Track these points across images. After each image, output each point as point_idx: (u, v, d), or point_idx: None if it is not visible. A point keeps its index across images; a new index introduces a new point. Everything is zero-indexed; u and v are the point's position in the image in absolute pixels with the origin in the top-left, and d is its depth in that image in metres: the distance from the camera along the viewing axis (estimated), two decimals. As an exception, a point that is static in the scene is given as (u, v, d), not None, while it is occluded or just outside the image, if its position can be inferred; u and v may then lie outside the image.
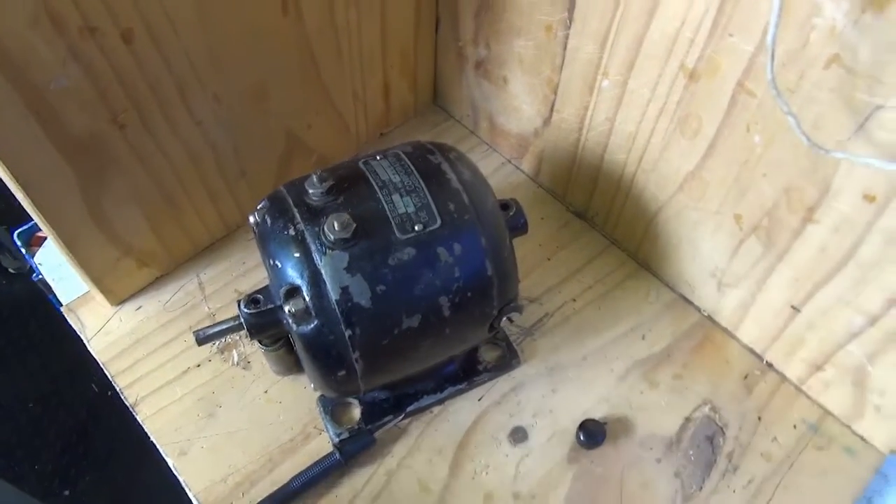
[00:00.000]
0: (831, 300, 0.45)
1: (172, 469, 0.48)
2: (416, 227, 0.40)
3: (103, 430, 1.13)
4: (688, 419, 0.50)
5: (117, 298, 0.54)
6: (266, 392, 0.51)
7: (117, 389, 0.51)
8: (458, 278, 0.41)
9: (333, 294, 0.39)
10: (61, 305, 0.55)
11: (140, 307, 0.55)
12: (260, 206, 0.43)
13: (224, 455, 0.48)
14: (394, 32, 0.57)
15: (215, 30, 0.45)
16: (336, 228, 0.39)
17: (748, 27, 0.39)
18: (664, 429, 0.50)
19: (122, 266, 0.52)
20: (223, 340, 0.53)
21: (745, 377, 0.52)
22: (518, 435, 0.49)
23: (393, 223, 0.40)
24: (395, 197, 0.41)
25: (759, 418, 0.50)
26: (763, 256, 0.47)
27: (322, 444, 0.48)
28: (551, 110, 0.56)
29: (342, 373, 0.41)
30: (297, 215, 0.41)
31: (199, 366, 0.52)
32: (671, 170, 0.49)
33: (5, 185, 0.43)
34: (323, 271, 0.39)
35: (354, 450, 0.47)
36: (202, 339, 0.44)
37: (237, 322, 0.44)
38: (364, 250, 0.40)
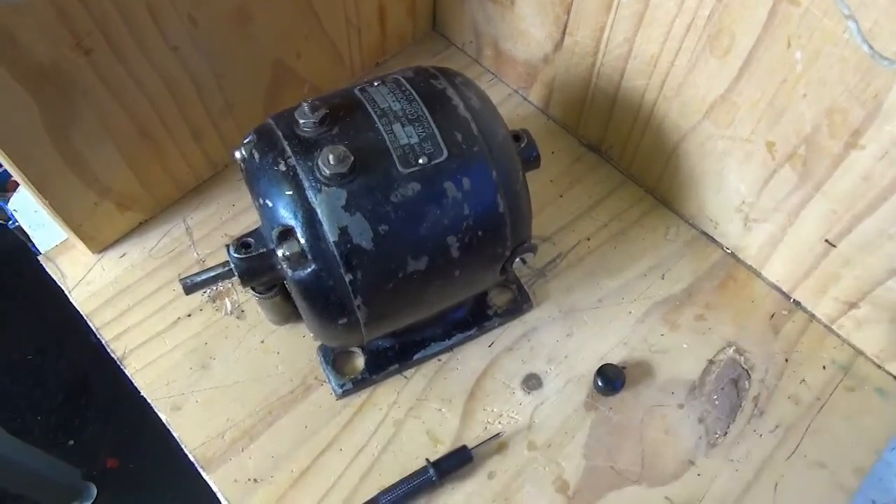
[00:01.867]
0: (872, 234, 0.41)
1: (166, 425, 0.45)
2: (421, 160, 0.36)
3: (105, 380, 1.12)
4: (711, 362, 0.47)
5: (99, 245, 0.50)
6: (262, 342, 0.48)
7: (103, 342, 0.48)
8: (467, 216, 0.37)
9: (331, 235, 0.35)
10: (40, 254, 0.52)
11: (124, 254, 0.51)
12: (247, 139, 0.39)
13: (220, 409, 0.45)
14: (388, -52, 0.52)
15: (188, -62, 0.40)
16: (331, 162, 0.35)
17: (796, -78, 0.34)
18: (686, 373, 0.47)
19: (101, 210, 0.48)
20: (215, 288, 0.50)
21: (772, 317, 0.49)
22: (532, 382, 0.47)
23: (395, 156, 0.36)
24: (397, 126, 0.37)
25: (787, 360, 0.48)
26: (798, 187, 0.43)
27: (324, 395, 0.46)
28: (563, 33, 0.51)
29: (343, 321, 0.38)
30: (288, 149, 0.37)
31: (189, 316, 0.49)
32: (697, 94, 0.45)
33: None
34: (318, 210, 0.35)
35: (451, 467, 0.43)
36: (190, 287, 0.41)
37: (227, 268, 0.41)
38: (363, 186, 0.36)
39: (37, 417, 1.14)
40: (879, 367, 0.47)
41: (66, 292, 0.50)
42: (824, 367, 0.47)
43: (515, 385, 0.46)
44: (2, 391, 1.16)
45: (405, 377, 0.47)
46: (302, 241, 0.35)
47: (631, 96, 0.50)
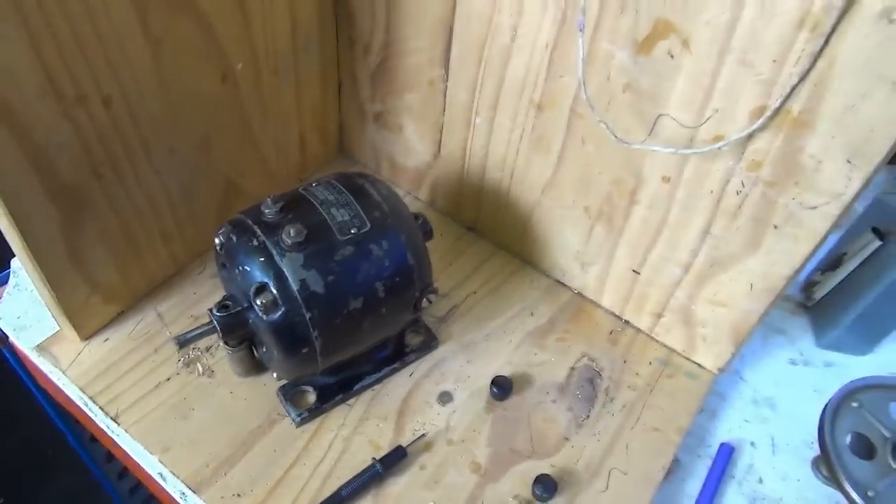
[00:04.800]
0: (658, 259, 0.61)
1: (158, 463, 0.55)
2: (352, 231, 0.53)
3: None
4: (572, 368, 0.65)
5: (86, 333, 0.62)
6: (231, 393, 0.60)
7: (98, 409, 0.58)
8: (387, 267, 0.54)
9: (295, 285, 0.50)
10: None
11: (107, 339, 0.63)
12: (222, 229, 0.54)
13: (203, 446, 0.56)
14: (306, 94, 0.71)
15: (171, 95, 0.56)
16: (292, 235, 0.51)
17: (571, 70, 0.56)
18: (556, 377, 0.64)
19: (91, 303, 0.60)
20: (188, 356, 0.62)
21: (611, 333, 0.68)
22: (445, 397, 0.62)
23: (334, 229, 0.53)
24: (333, 210, 0.54)
25: (625, 361, 0.66)
26: (608, 236, 0.64)
27: (285, 426, 0.58)
28: (439, 146, 0.71)
29: (305, 350, 0.52)
30: (258, 230, 0.52)
31: (168, 380, 0.60)
32: (535, 180, 0.65)
33: None
34: (284, 269, 0.51)
35: (392, 461, 0.56)
36: (183, 343, 0.54)
37: (210, 325, 0.54)
38: (315, 250, 0.52)
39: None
40: (687, 358, 0.66)
41: (60, 373, 0.60)
42: (650, 363, 0.66)
43: (433, 401, 0.61)
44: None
45: (348, 405, 0.60)
46: (274, 291, 0.50)
47: (492, 186, 0.70)
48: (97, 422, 0.61)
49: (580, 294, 0.71)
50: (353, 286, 0.53)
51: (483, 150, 0.67)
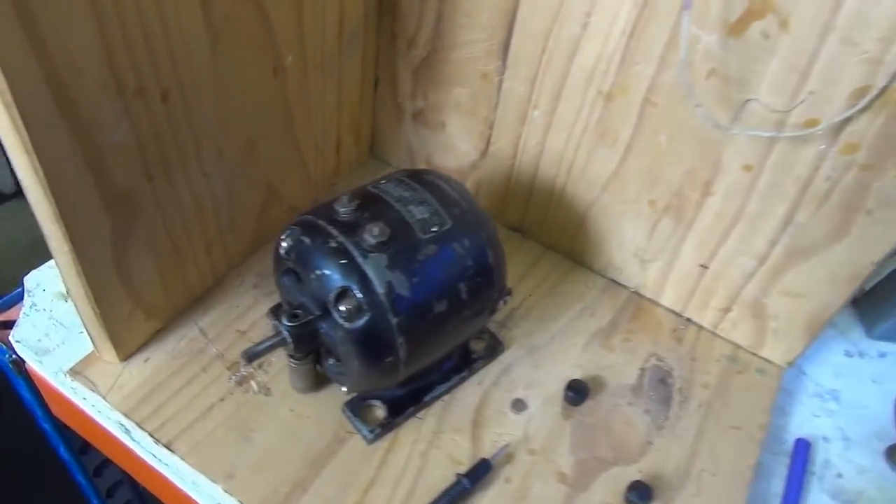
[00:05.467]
0: (730, 252, 0.60)
1: (223, 493, 0.50)
2: (434, 229, 0.50)
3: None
4: (642, 369, 0.62)
5: (125, 353, 0.56)
6: (292, 410, 0.55)
7: (146, 436, 0.53)
8: (470, 267, 0.51)
9: (380, 288, 0.47)
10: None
11: (148, 359, 0.57)
12: (287, 233, 0.50)
13: (269, 470, 0.52)
14: (346, 92, 0.67)
15: (224, 89, 0.52)
16: (376, 234, 0.47)
17: (649, 57, 0.54)
18: (627, 379, 0.61)
19: (133, 319, 0.55)
20: (239, 373, 0.57)
21: (674, 331, 0.66)
22: (518, 405, 0.58)
23: (415, 227, 0.49)
24: (411, 207, 0.50)
25: (693, 359, 0.64)
26: (674, 230, 0.62)
27: (356, 443, 0.54)
28: (487, 144, 0.68)
29: (389, 359, 0.48)
30: (334, 230, 0.48)
31: (222, 400, 0.55)
32: (596, 175, 0.63)
33: None
34: (368, 271, 0.47)
35: (478, 476, 0.52)
36: (252, 356, 0.49)
37: (280, 337, 0.50)
38: (398, 250, 0.48)
39: None
40: (754, 354, 0.65)
41: (100, 398, 0.54)
42: (718, 360, 0.64)
43: (506, 409, 0.58)
44: None
45: (419, 418, 0.56)
46: (358, 295, 0.46)
47: (545, 184, 0.67)
48: (137, 451, 0.55)
49: (637, 293, 0.69)
50: (437, 288, 0.49)
51: (538, 146, 0.65)
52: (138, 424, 0.53)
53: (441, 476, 0.53)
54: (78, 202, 0.44)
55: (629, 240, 0.65)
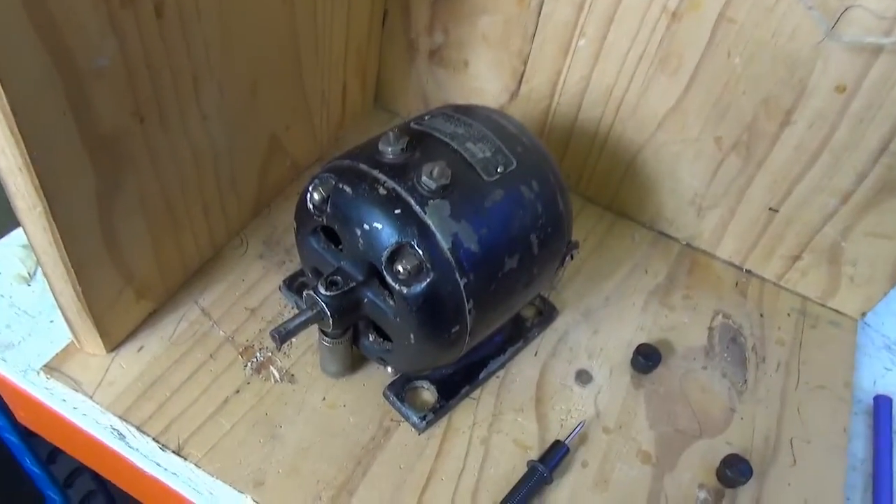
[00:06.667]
0: (806, 191, 0.53)
1: (252, 503, 0.41)
2: (499, 169, 0.41)
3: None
4: (710, 328, 0.55)
5: (113, 342, 0.46)
6: (324, 399, 0.46)
7: (149, 440, 0.43)
8: (540, 214, 0.42)
9: (444, 243, 0.38)
10: None
11: (141, 347, 0.47)
12: (317, 181, 0.41)
13: (306, 473, 0.43)
14: (354, 29, 0.57)
15: (228, 12, 0.42)
16: (435, 176, 0.38)
17: (728, -39, 0.46)
18: (696, 341, 0.54)
19: (122, 299, 0.45)
20: (255, 359, 0.47)
21: (736, 284, 0.59)
22: (583, 377, 0.51)
23: (477, 168, 0.40)
24: (469, 145, 0.41)
25: (761, 315, 0.57)
26: (742, 171, 0.55)
27: (405, 433, 0.45)
28: (520, 83, 0.59)
29: (455, 328, 0.40)
30: (381, 175, 0.39)
31: (238, 392, 0.46)
32: (650, 111, 0.55)
33: None
34: (430, 222, 0.38)
35: (556, 461, 0.44)
36: (284, 336, 0.40)
37: (315, 310, 0.40)
38: (462, 195, 0.39)
39: None
40: (823, 305, 0.59)
41: (86, 399, 0.44)
42: (788, 315, 0.58)
43: (570, 382, 0.50)
44: None
45: (473, 399, 0.48)
46: (419, 252, 0.37)
47: (587, 126, 0.59)
48: (135, 461, 0.45)
49: (689, 245, 0.62)
50: (508, 240, 0.40)
51: (582, 81, 0.56)
52: (139, 428, 0.43)
53: (510, 465, 0.45)
54: (54, 147, 0.34)
55: (685, 185, 0.58)
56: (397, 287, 0.38)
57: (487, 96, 0.62)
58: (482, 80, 0.61)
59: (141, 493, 0.51)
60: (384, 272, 0.38)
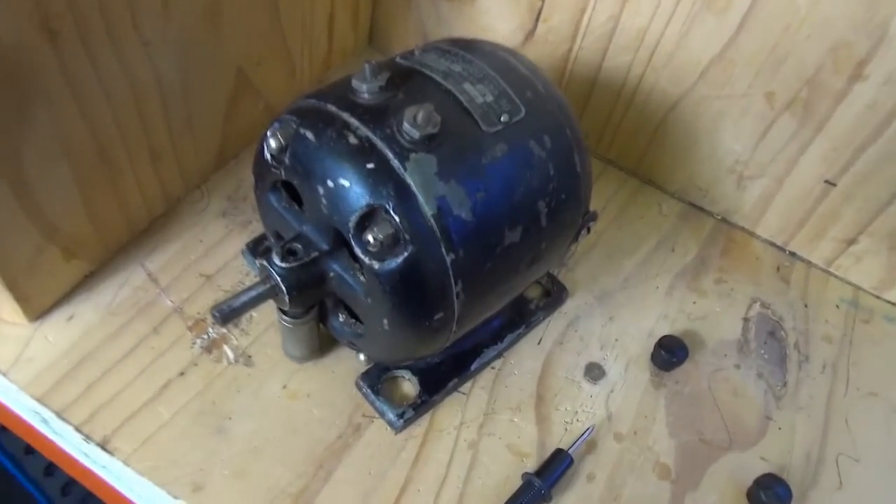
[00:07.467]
0: (875, 161, 0.44)
1: (189, 513, 0.34)
2: (503, 118, 0.33)
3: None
4: (746, 319, 0.47)
5: (35, 310, 0.39)
6: (285, 387, 0.39)
7: (71, 430, 0.36)
8: (552, 177, 0.34)
9: (428, 208, 0.30)
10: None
11: (72, 316, 0.40)
12: (276, 125, 0.33)
13: (257, 476, 0.36)
14: (342, -55, 0.49)
15: None
16: (420, 122, 0.30)
17: None
18: (729, 334, 0.46)
19: (44, 259, 0.37)
20: (207, 335, 0.40)
21: (778, 269, 0.51)
22: (594, 372, 0.43)
23: (475, 115, 0.32)
24: (466, 86, 0.33)
25: (806, 305, 0.49)
26: (796, 134, 0.46)
27: (378, 431, 0.38)
28: (536, 21, 0.50)
29: (439, 315, 0.32)
30: (353, 120, 0.31)
31: (182, 374, 0.39)
32: (690, 59, 0.46)
33: None
34: (410, 181, 0.30)
35: (556, 475, 0.36)
36: (227, 315, 0.32)
37: (269, 285, 0.33)
38: (454, 149, 0.31)
39: None
40: (878, 297, 0.50)
41: (1, 376, 0.37)
42: (837, 307, 0.49)
43: (579, 378, 0.43)
44: None
45: (463, 393, 0.41)
46: (395, 218, 0.30)
47: (613, 76, 0.50)
48: (67, 448, 0.38)
49: (725, 220, 0.53)
50: (510, 207, 0.32)
51: (611, 21, 0.47)
52: (58, 415, 0.36)
53: (502, 475, 0.38)
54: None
55: (725, 150, 0.49)
56: (367, 261, 0.30)
57: (498, 36, 0.53)
58: (492, 17, 0.52)
59: (83, 479, 0.44)
60: (352, 241, 0.30)
